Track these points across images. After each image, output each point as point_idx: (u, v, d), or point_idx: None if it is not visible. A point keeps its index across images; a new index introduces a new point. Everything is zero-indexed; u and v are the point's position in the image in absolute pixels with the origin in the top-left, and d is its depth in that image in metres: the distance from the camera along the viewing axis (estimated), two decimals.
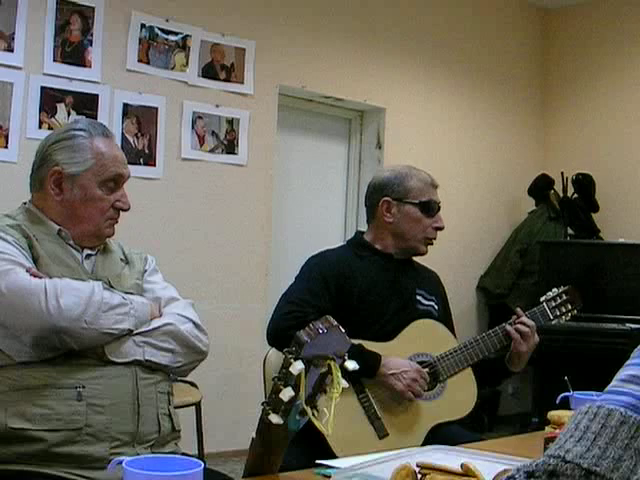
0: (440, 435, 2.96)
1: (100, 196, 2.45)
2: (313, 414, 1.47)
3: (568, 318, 3.28)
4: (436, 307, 3.30)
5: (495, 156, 7.72)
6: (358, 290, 3.13)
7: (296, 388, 1.41)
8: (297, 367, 1.40)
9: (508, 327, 3.15)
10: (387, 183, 3.28)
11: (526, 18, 8.07)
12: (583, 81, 7.90)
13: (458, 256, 7.31)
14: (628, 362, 1.03)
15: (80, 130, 2.48)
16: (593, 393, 2.62)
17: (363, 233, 3.38)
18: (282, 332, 2.94)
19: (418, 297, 3.26)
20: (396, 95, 6.90)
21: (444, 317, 3.34)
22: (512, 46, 7.90)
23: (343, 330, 1.49)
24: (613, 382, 1.03)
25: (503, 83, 7.79)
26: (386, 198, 3.26)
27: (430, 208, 3.24)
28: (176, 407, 2.57)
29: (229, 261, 5.84)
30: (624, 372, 1.02)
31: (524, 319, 3.15)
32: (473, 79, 7.50)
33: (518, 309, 3.24)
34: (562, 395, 2.81)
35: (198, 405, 4.55)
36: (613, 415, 0.96)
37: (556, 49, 8.17)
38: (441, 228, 3.27)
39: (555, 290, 3.28)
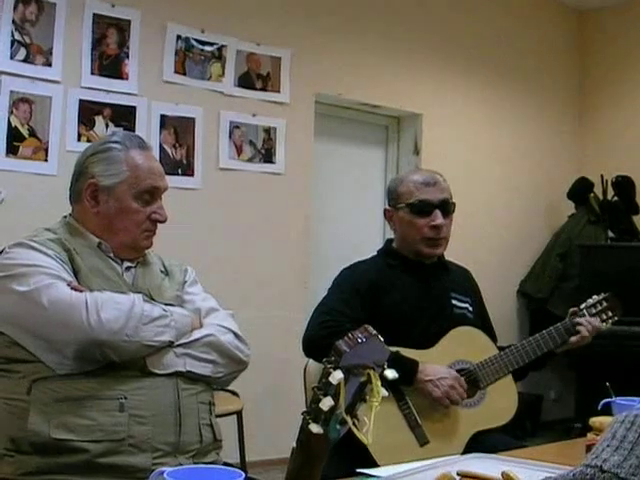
0: (481, 442, 2.94)
1: (135, 208, 2.47)
2: (353, 423, 1.47)
3: (608, 325, 3.25)
4: (470, 308, 3.28)
5: (533, 160, 7.67)
6: (390, 300, 3.12)
7: (336, 397, 1.41)
8: (336, 377, 1.40)
9: (581, 320, 3.15)
10: (388, 192, 3.35)
11: (561, 20, 8.02)
12: (620, 82, 7.83)
13: (498, 261, 7.27)
14: None
15: (116, 143, 2.50)
16: (636, 399, 2.59)
17: (392, 241, 3.38)
18: (317, 342, 2.97)
19: (453, 301, 3.24)
20: (432, 100, 6.89)
21: (480, 316, 3.33)
22: (548, 48, 7.86)
23: (382, 339, 1.49)
24: None
25: (539, 86, 7.74)
26: (387, 207, 3.32)
27: (420, 208, 3.17)
28: (217, 416, 2.58)
29: (268, 270, 5.85)
30: None
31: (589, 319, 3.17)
32: (509, 83, 7.47)
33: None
34: (604, 401, 2.77)
35: (239, 414, 4.56)
36: None
37: (593, 50, 8.11)
38: (438, 226, 3.16)
39: (595, 297, 3.25)
